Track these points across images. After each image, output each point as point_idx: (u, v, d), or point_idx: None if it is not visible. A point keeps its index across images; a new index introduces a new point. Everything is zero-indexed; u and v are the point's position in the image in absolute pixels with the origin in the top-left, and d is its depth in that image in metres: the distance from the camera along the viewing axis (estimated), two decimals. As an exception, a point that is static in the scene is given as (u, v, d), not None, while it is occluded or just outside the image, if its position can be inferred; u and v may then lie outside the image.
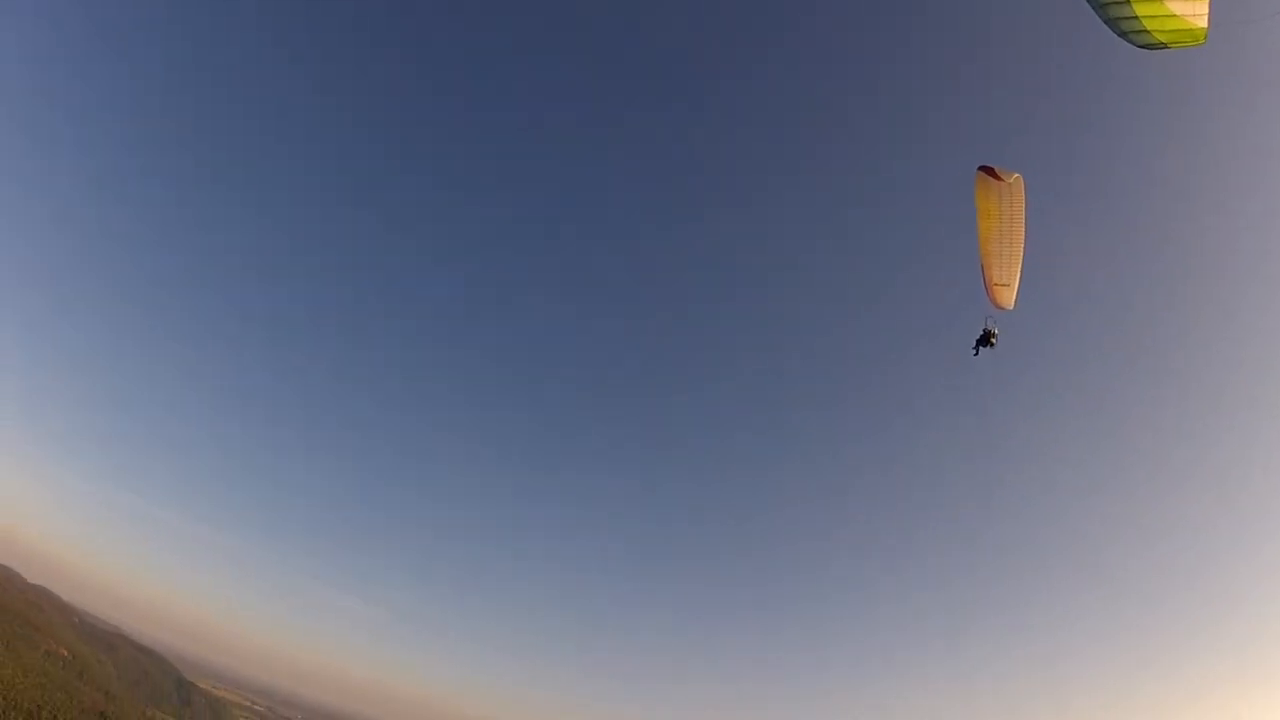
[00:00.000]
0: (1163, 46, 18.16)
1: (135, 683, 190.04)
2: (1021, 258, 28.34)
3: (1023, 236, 27.84)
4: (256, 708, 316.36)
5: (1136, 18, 17.25)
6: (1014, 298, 29.67)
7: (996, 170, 26.22)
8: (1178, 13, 17.08)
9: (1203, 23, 16.89)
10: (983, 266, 28.88)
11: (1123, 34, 18.31)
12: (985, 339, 32.25)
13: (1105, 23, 18.27)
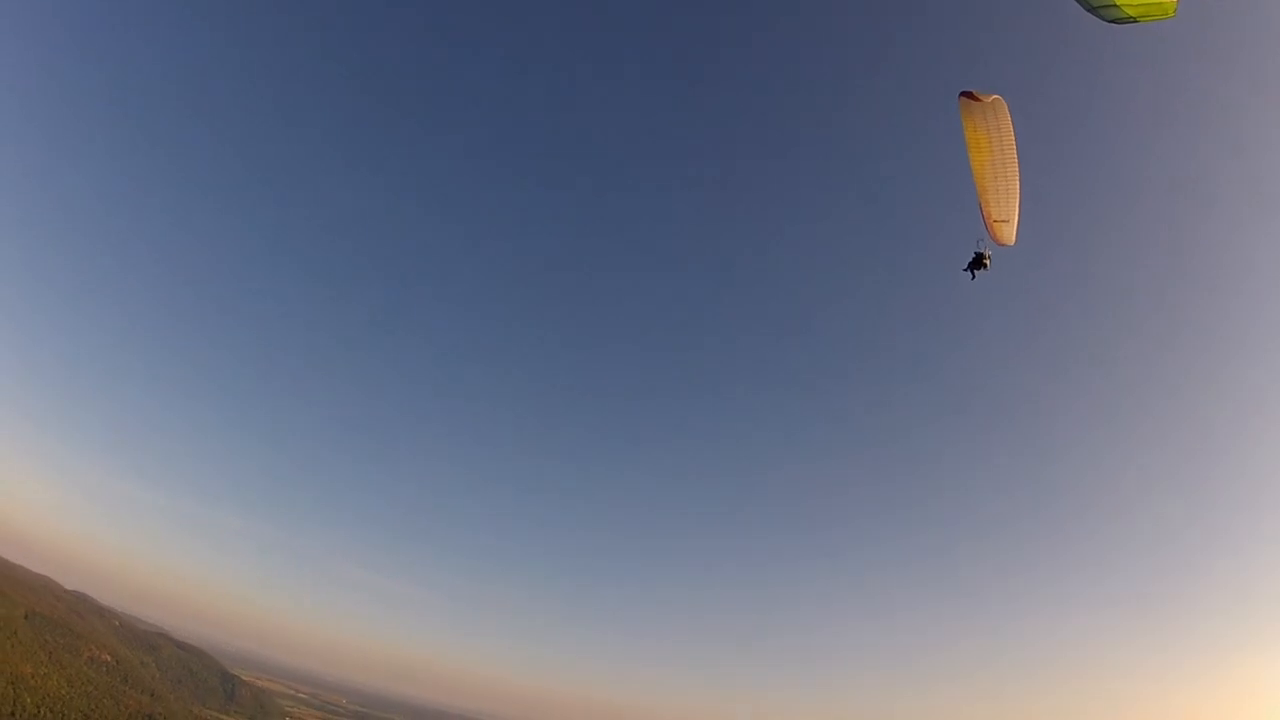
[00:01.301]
0: (1132, 20, 17.80)
1: (180, 681, 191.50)
2: (1019, 191, 28.23)
3: (1016, 168, 27.74)
4: (301, 695, 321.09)
5: None
6: (1015, 233, 29.62)
7: (975, 93, 25.74)
8: None
9: None
10: (980, 203, 28.90)
11: (1092, 9, 17.93)
12: (978, 262, 32.44)
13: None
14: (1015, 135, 26.96)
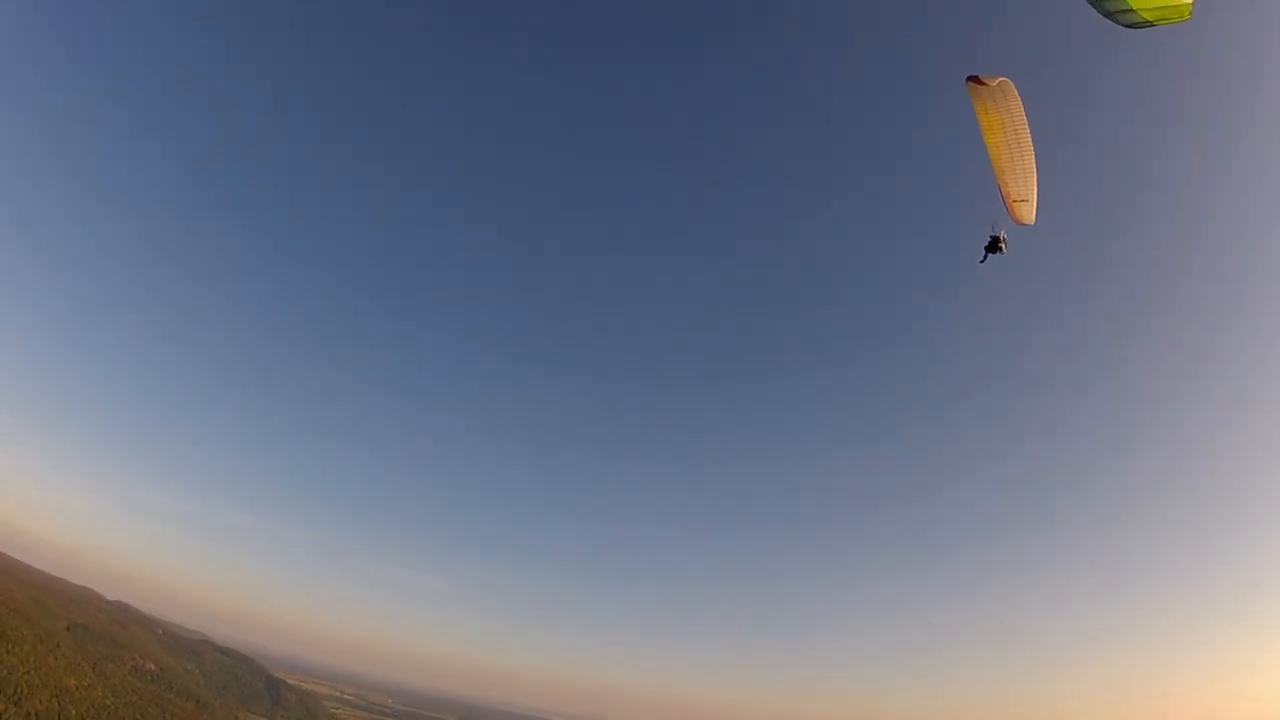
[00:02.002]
0: (1148, 24, 18.00)
1: (224, 687, 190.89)
2: (1035, 171, 28.45)
3: (1031, 147, 27.90)
4: (347, 696, 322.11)
5: None
6: (1034, 212, 29.52)
7: (981, 78, 25.92)
8: None
9: None
10: (999, 184, 29.04)
11: (1108, 14, 18.09)
12: (994, 245, 32.37)
13: (1090, 3, 18.04)
14: (1027, 118, 26.95)
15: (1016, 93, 27.14)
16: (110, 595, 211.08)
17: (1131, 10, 17.91)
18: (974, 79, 26.20)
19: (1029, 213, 29.87)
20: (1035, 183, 29.14)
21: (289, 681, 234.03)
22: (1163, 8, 17.35)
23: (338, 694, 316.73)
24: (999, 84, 26.53)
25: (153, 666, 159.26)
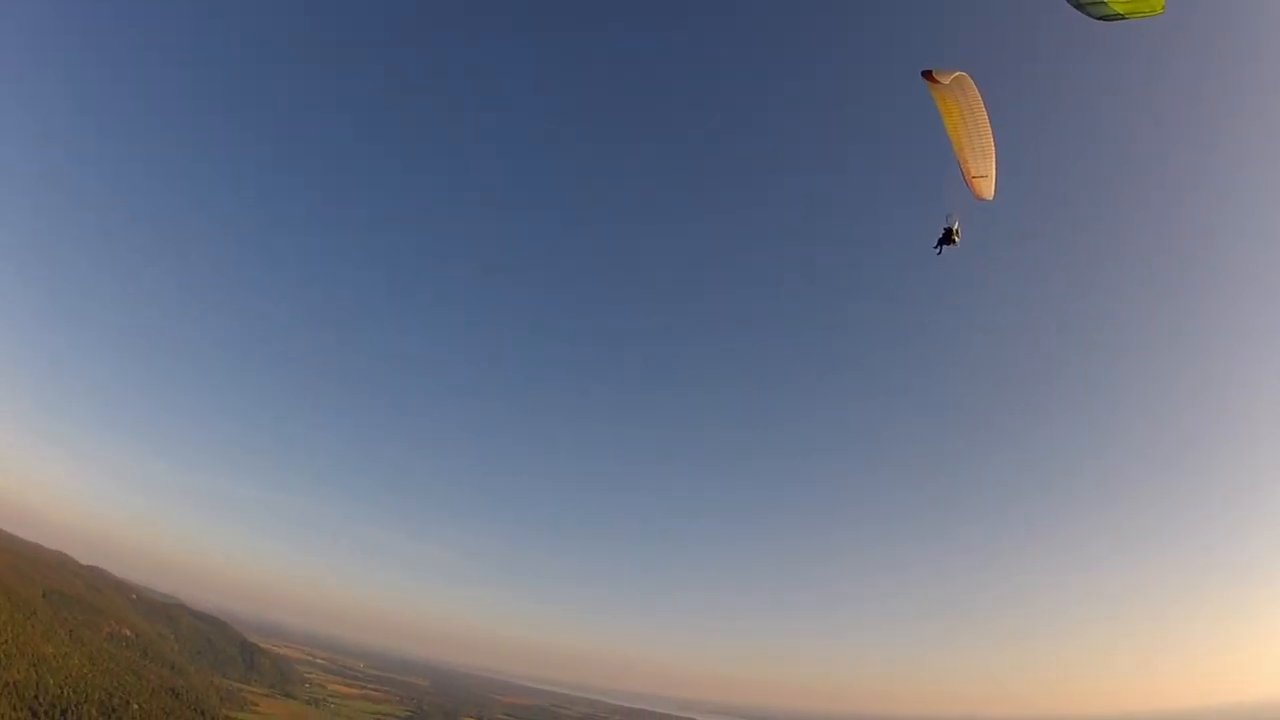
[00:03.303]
0: (1121, 18, 17.88)
1: (199, 653, 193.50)
2: (994, 149, 29.08)
3: (989, 128, 28.48)
4: (319, 660, 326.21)
5: None
6: (993, 188, 30.28)
7: (936, 74, 26.17)
8: None
9: None
10: (959, 162, 29.62)
11: (1080, 6, 17.87)
12: (947, 237, 32.89)
13: None
14: (984, 103, 27.77)
15: (973, 83, 27.72)
16: (84, 560, 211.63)
17: (1103, 3, 17.83)
18: (929, 76, 26.54)
19: (988, 188, 30.48)
20: (994, 160, 29.67)
21: (262, 646, 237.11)
22: (1135, 0, 17.41)
23: (310, 658, 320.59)
24: (955, 79, 27.03)
25: (129, 633, 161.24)
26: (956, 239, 32.81)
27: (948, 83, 26.69)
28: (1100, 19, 18.43)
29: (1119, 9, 17.71)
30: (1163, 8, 17.06)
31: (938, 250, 33.26)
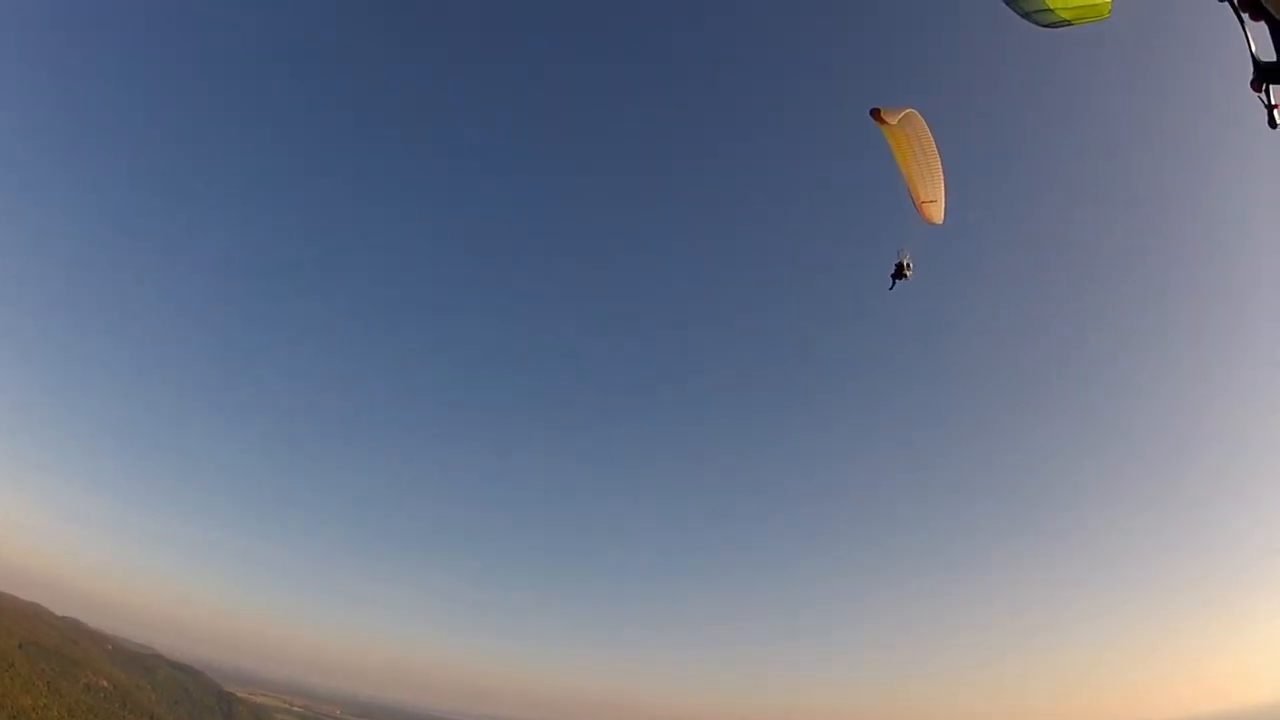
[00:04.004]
0: (1066, 24, 17.40)
1: (177, 702, 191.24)
2: (942, 174, 29.40)
3: (937, 154, 28.78)
4: (296, 709, 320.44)
5: None
6: (943, 212, 30.82)
7: (882, 113, 26.24)
8: None
9: None
10: (909, 189, 29.78)
11: (1025, 14, 17.30)
12: (899, 272, 33.48)
13: (1007, 3, 17.28)
14: (933, 133, 28.43)
15: (922, 118, 28.11)
16: (60, 611, 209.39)
17: (1049, 10, 17.39)
18: (877, 116, 26.55)
19: (938, 212, 30.96)
20: (943, 185, 30.13)
21: (239, 695, 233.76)
22: (1081, 7, 16.89)
23: (287, 706, 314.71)
24: (903, 117, 27.39)
25: (106, 684, 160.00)
26: (908, 273, 33.58)
27: (895, 123, 27.10)
28: (1047, 26, 17.97)
29: (1065, 15, 17.37)
30: (1109, 13, 16.79)
31: (891, 286, 33.94)
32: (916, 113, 27.73)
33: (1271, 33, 1.97)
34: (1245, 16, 2.35)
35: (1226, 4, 2.24)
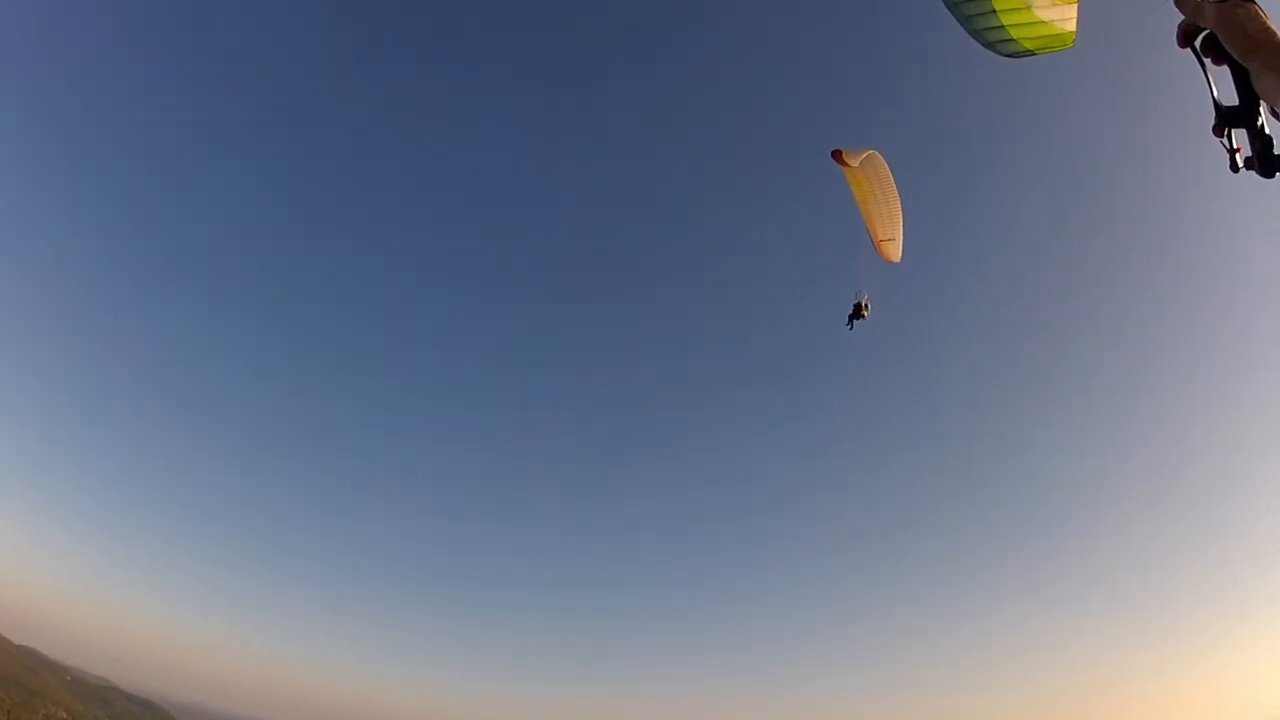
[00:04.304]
0: (1030, 54, 16.20)
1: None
2: (901, 214, 29.82)
3: (896, 193, 29.54)
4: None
5: (1004, 27, 15.47)
6: (900, 251, 31.19)
7: (843, 155, 26.73)
8: (1046, 19, 15.30)
9: (1071, 26, 15.29)
10: (867, 228, 30.49)
11: (989, 45, 16.21)
12: (857, 312, 33.66)
13: (970, 34, 15.97)
14: (892, 172, 28.88)
15: (882, 159, 28.52)
16: (18, 640, 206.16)
17: (1013, 40, 16.17)
18: (838, 157, 26.82)
19: (895, 251, 31.06)
20: (901, 225, 30.35)
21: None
22: (1045, 37, 15.97)
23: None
24: (866, 158, 27.81)
25: (64, 715, 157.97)
26: (866, 313, 33.73)
27: (856, 164, 27.59)
28: (1009, 56, 16.67)
29: (1029, 45, 16.21)
30: (1073, 42, 15.71)
31: (849, 326, 34.18)
32: (877, 153, 28.59)
33: (1234, 77, 2.77)
34: (1208, 61, 2.84)
35: (1189, 49, 2.97)
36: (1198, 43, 2.67)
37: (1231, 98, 2.59)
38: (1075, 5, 13.52)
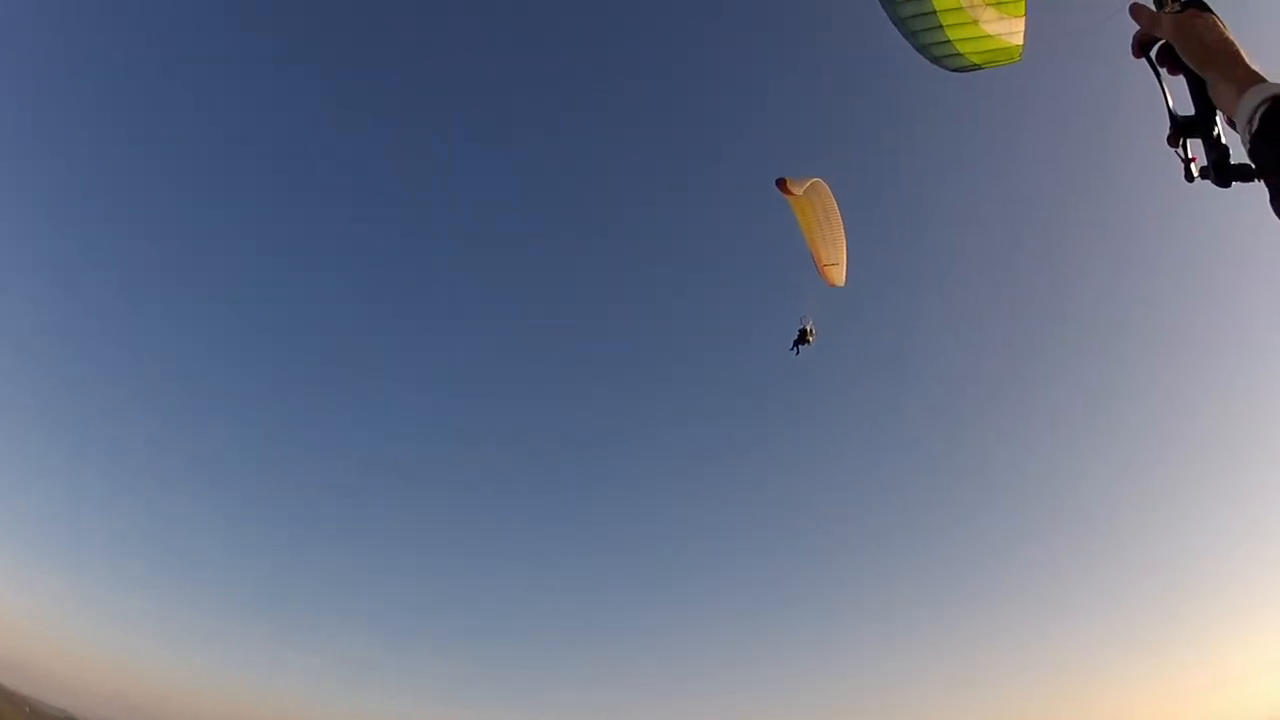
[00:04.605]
0: (976, 68, 17.04)
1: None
2: (844, 238, 30.84)
3: (839, 219, 30.23)
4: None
5: (950, 42, 16.08)
6: (844, 275, 31.79)
7: (787, 183, 27.37)
8: (993, 33, 15.98)
9: (1018, 40, 15.89)
10: (811, 254, 31.06)
11: (935, 59, 16.88)
12: (802, 337, 34.11)
13: (916, 49, 16.68)
14: (836, 198, 29.51)
15: (826, 186, 28.99)
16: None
17: (959, 55, 16.94)
18: (782, 186, 27.19)
19: (839, 275, 31.50)
20: (844, 249, 30.85)
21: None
22: (991, 51, 16.61)
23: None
24: (810, 186, 28.20)
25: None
26: (811, 339, 34.21)
27: (800, 193, 28.00)
28: (955, 70, 17.35)
29: (976, 60, 16.91)
30: (1020, 56, 16.36)
31: (795, 351, 34.52)
32: (821, 181, 29.06)
33: (1190, 87, 2.70)
34: (1163, 71, 2.77)
35: (1144, 60, 2.89)
36: (1153, 53, 2.75)
37: (1187, 107, 2.87)
38: (1022, 19, 14.01)
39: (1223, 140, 2.51)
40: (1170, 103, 2.68)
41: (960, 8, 14.64)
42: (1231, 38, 2.45)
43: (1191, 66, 2.53)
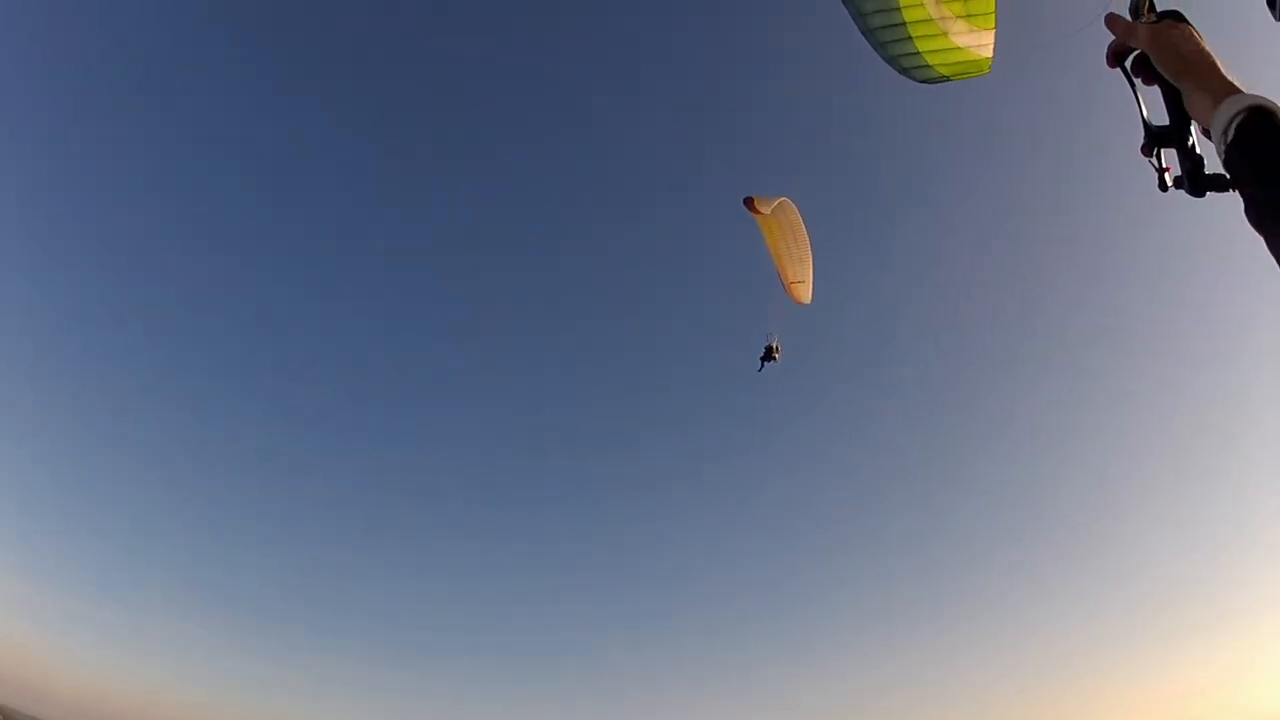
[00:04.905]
0: (946, 80, 16.15)
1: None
2: (811, 256, 31.11)
3: (807, 239, 30.53)
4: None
5: (919, 54, 15.48)
6: (810, 293, 32.10)
7: (755, 202, 27.71)
8: (962, 45, 15.28)
9: (988, 52, 15.29)
10: (777, 271, 31.30)
11: (903, 70, 16.18)
12: (769, 354, 34.33)
13: (885, 61, 15.96)
14: (803, 216, 29.68)
15: (794, 205, 29.10)
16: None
17: (928, 66, 16.20)
18: (750, 205, 27.47)
19: (805, 293, 31.77)
20: (811, 267, 31.11)
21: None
22: (961, 63, 15.92)
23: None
24: (777, 205, 28.47)
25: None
26: (777, 356, 34.47)
27: (768, 211, 28.29)
28: (924, 82, 16.59)
29: (945, 72, 16.23)
30: (989, 68, 15.60)
31: (760, 368, 34.75)
32: (789, 200, 29.36)
33: (1165, 97, 2.70)
34: (1138, 81, 2.78)
35: (1119, 69, 2.91)
36: (1128, 63, 2.71)
37: (1161, 118, 2.68)
38: (992, 31, 13.69)
39: (1197, 150, 2.54)
40: (1145, 113, 2.78)
41: (930, 19, 14.05)
42: (1208, 49, 2.48)
43: (1167, 77, 2.55)
